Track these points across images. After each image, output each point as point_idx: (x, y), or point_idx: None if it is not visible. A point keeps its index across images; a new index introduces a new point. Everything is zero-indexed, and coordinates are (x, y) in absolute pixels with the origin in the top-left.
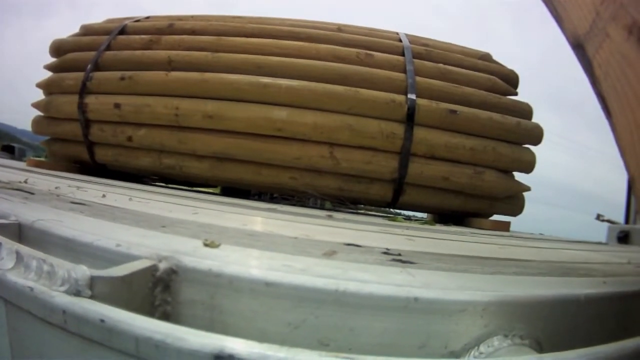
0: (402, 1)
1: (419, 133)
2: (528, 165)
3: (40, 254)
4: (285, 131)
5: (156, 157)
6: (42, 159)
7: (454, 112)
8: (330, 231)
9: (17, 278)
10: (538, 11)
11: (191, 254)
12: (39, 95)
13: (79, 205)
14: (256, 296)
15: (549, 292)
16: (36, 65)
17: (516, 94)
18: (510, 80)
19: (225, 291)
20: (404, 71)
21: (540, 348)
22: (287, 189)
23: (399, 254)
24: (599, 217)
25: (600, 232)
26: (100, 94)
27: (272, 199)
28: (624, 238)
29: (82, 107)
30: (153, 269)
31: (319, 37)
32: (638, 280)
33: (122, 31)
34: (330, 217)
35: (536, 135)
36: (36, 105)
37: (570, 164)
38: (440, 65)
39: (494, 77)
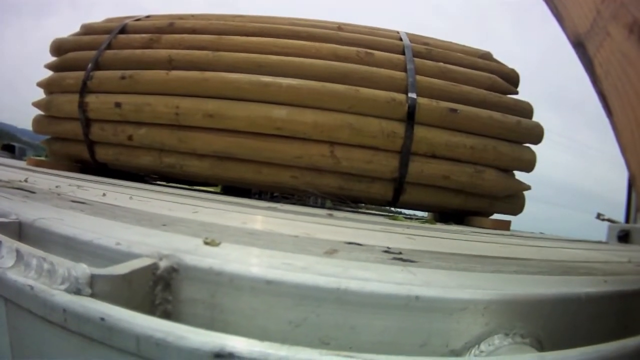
0: (403, 1)
1: (420, 132)
2: (528, 164)
3: (40, 253)
4: (286, 130)
5: (157, 156)
6: (43, 158)
7: (454, 110)
8: (331, 230)
9: (17, 276)
10: (538, 10)
11: (192, 252)
12: (39, 94)
13: (79, 204)
14: (257, 294)
15: (549, 291)
16: (36, 65)
17: (517, 93)
18: (511, 79)
19: (226, 289)
20: (405, 70)
21: (541, 347)
22: (288, 188)
23: (400, 253)
24: (599, 216)
25: (601, 231)
26: (101, 93)
27: (272, 198)
28: (624, 237)
29: (82, 106)
30: (153, 267)
31: (320, 36)
32: (638, 279)
33: (123, 30)
34: (330, 216)
35: (537, 134)
36: (37, 105)
37: (571, 163)
38: (441, 64)
39: (494, 75)
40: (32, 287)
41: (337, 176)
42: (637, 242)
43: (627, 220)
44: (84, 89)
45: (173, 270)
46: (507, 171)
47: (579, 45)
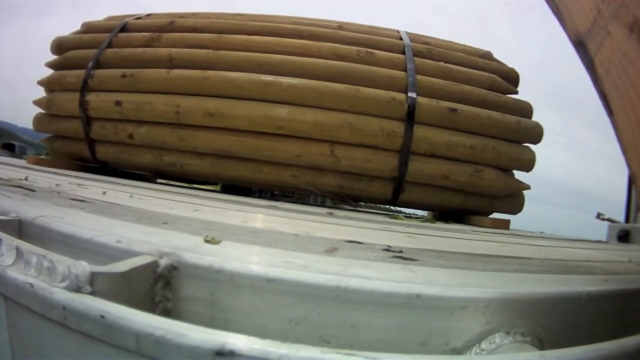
0: (403, 1)
1: (419, 131)
2: (528, 164)
3: (40, 250)
4: (286, 129)
5: (157, 154)
6: (43, 156)
7: (454, 110)
8: (331, 228)
9: (17, 274)
10: (539, 9)
11: (192, 250)
12: (40, 93)
13: (79, 202)
14: (257, 292)
15: (550, 290)
16: (37, 64)
17: (516, 93)
18: (511, 79)
19: (226, 287)
20: (405, 69)
21: (542, 345)
22: (288, 187)
23: (401, 251)
24: (599, 215)
25: (601, 230)
26: (102, 92)
27: (272, 197)
28: (624, 237)
29: (83, 104)
30: (154, 265)
31: (320, 35)
32: (639, 278)
33: (123, 29)
34: (331, 214)
35: (536, 134)
36: (37, 103)
37: (571, 162)
38: (441, 63)
39: (494, 75)
40: (32, 285)
41: (337, 175)
42: (637, 242)
43: (627, 220)
44: (84, 88)
45: (173, 268)
46: (507, 171)
47: (580, 45)
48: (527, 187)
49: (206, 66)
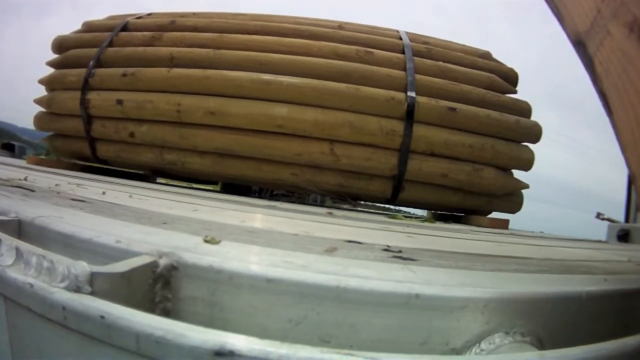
0: (403, 0)
1: (419, 130)
2: (527, 163)
3: (40, 250)
4: (287, 128)
5: (158, 153)
6: (42, 156)
7: (453, 109)
8: (331, 228)
9: (17, 274)
10: (539, 9)
11: (191, 250)
12: (39, 93)
13: (79, 202)
14: (257, 292)
15: (550, 290)
16: (36, 64)
17: (515, 92)
18: (510, 79)
19: (225, 287)
20: (404, 69)
21: (542, 345)
22: (288, 185)
23: (400, 251)
24: (599, 215)
25: (601, 230)
26: (103, 90)
27: (272, 196)
28: (624, 236)
29: (84, 103)
30: (153, 265)
31: (320, 35)
32: (639, 278)
33: (124, 28)
34: (330, 214)
35: (535, 134)
36: (38, 101)
37: (570, 162)
38: (440, 63)
39: (493, 75)
40: (31, 285)
41: (336, 174)
42: (637, 242)
43: (627, 219)
44: (85, 86)
45: (173, 268)
46: (506, 170)
47: (580, 44)
48: (526, 186)
49: (207, 65)
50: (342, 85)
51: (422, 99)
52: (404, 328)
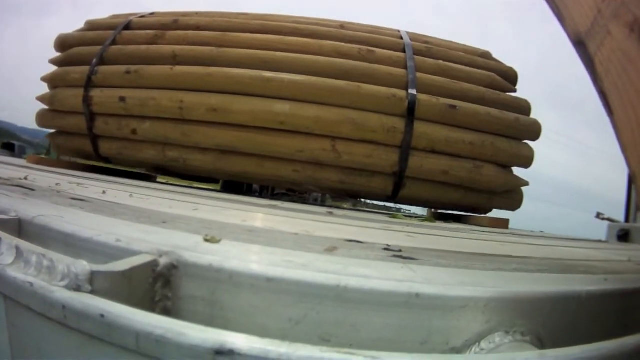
0: (403, 1)
1: (419, 127)
2: (526, 161)
3: (40, 249)
4: (288, 124)
5: (160, 150)
6: (42, 156)
7: (453, 107)
8: (331, 227)
9: (17, 273)
10: (539, 9)
11: (192, 249)
12: (40, 93)
13: (79, 201)
14: (257, 291)
15: (550, 289)
16: (37, 64)
17: (515, 91)
18: (509, 78)
19: (225, 286)
20: (405, 67)
21: (542, 344)
22: (290, 182)
23: (400, 250)
24: (599, 215)
25: (601, 230)
26: (106, 88)
27: (273, 196)
28: (624, 236)
29: (87, 100)
30: (153, 264)
31: (322, 34)
32: (639, 277)
33: (127, 27)
34: (330, 214)
35: (534, 131)
36: (41, 99)
37: (570, 162)
38: (441, 61)
39: (493, 74)
40: (31, 284)
41: (338, 170)
42: (637, 242)
43: (627, 219)
44: (88, 84)
45: (173, 267)
46: (506, 167)
47: (580, 44)
48: (526, 183)
49: (210, 63)
50: (343, 83)
51: (422, 97)
52: (404, 327)
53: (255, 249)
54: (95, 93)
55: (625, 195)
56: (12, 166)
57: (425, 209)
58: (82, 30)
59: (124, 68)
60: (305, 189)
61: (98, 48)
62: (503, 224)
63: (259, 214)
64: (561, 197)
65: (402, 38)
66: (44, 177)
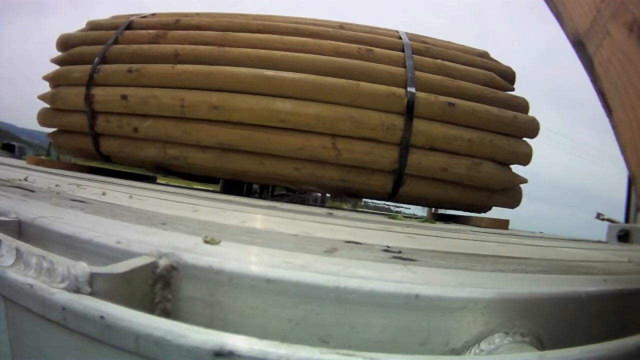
0: (403, 1)
1: (418, 125)
2: (525, 158)
3: (40, 251)
4: (289, 122)
5: (161, 147)
6: (42, 157)
7: (452, 104)
8: (331, 229)
9: (17, 275)
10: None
11: (191, 250)
12: (38, 98)
13: (79, 202)
14: (256, 293)
15: (550, 290)
16: (37, 65)
17: (513, 90)
18: (507, 77)
19: (225, 288)
20: (404, 66)
21: (541, 345)
22: (290, 181)
23: (400, 252)
24: (599, 216)
25: (601, 230)
26: (107, 86)
27: (273, 197)
28: (624, 237)
29: (89, 98)
30: (153, 265)
31: (322, 34)
32: (639, 278)
33: (129, 27)
34: (330, 214)
35: (532, 129)
36: (42, 98)
37: (570, 162)
38: (439, 60)
39: (490, 72)
40: (31, 286)
41: (338, 168)
42: (637, 242)
43: (627, 220)
44: (90, 82)
45: (172, 268)
46: (504, 164)
47: (579, 44)
48: (524, 181)
49: (211, 62)
50: (343, 81)
51: (421, 95)
52: (403, 328)
53: (254, 250)
54: (97, 91)
55: (625, 196)
56: (12, 167)
57: (425, 211)
58: (83, 30)
59: (125, 67)
60: (305, 188)
61: (100, 47)
62: (503, 224)
63: (258, 215)
64: (561, 197)
65: (400, 38)
66: (44, 179)
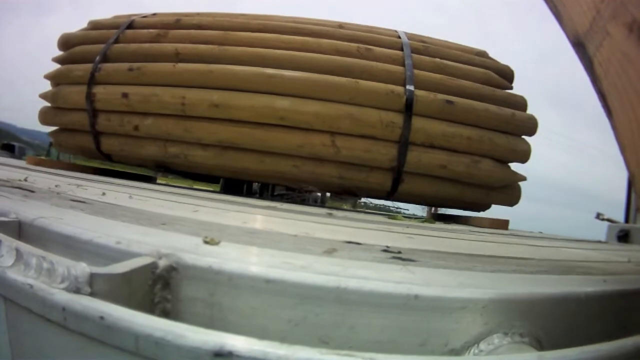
0: (403, 1)
1: (417, 122)
2: (523, 155)
3: (40, 252)
4: (289, 120)
5: (162, 145)
6: (42, 157)
7: (450, 102)
8: (331, 229)
9: (17, 275)
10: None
11: (191, 251)
12: (39, 97)
13: (79, 203)
14: (256, 293)
15: (549, 290)
16: (37, 64)
17: (511, 88)
18: (506, 75)
19: (225, 288)
20: (403, 64)
21: (540, 346)
22: (289, 178)
23: (399, 252)
24: (598, 216)
25: (600, 231)
26: (109, 84)
27: (273, 197)
28: (623, 237)
29: (90, 97)
30: (153, 266)
31: (321, 33)
32: (638, 278)
33: (130, 26)
34: (330, 215)
35: (531, 126)
36: (44, 96)
37: (570, 162)
38: (438, 59)
39: (489, 71)
40: (31, 286)
41: (337, 165)
42: (637, 242)
43: (627, 220)
44: (91, 80)
45: (172, 269)
46: (503, 162)
47: (579, 45)
48: (523, 178)
49: (212, 61)
50: (342, 79)
51: (420, 92)
52: (402, 329)
53: (254, 251)
54: (98, 90)
55: (625, 196)
56: (12, 167)
57: (425, 211)
58: (85, 29)
59: (126, 65)
60: (305, 187)
61: (101, 46)
62: (503, 224)
63: (258, 216)
64: (561, 198)
65: (399, 37)
66: (44, 179)
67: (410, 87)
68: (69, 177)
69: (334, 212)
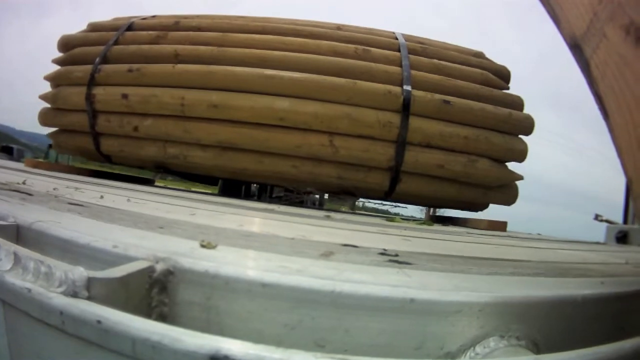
0: (403, 2)
1: (415, 122)
2: (520, 155)
3: (38, 256)
4: (288, 120)
5: (161, 146)
6: (41, 159)
7: (447, 102)
8: (328, 232)
9: (15, 279)
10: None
11: (188, 255)
12: (39, 98)
13: (76, 206)
14: (252, 297)
15: (546, 293)
16: (36, 66)
17: (508, 89)
18: (503, 76)
19: (221, 292)
20: (400, 65)
21: (537, 349)
22: (288, 179)
23: (396, 255)
24: (597, 217)
25: (599, 232)
26: (108, 85)
27: (271, 199)
28: (622, 238)
29: (90, 98)
30: (150, 270)
31: (320, 35)
32: (636, 280)
33: (130, 28)
34: (328, 217)
35: (527, 126)
36: (44, 97)
37: (569, 163)
38: (435, 60)
39: (486, 72)
40: (29, 290)
41: (335, 165)
42: (635, 243)
43: (625, 221)
44: (91, 82)
45: (169, 273)
46: (500, 161)
47: (576, 47)
48: (520, 178)
49: (211, 62)
50: (340, 80)
51: (417, 93)
52: (398, 332)
53: (251, 255)
54: (98, 91)
55: (623, 197)
56: (10, 170)
57: (423, 213)
58: (84, 31)
59: (126, 67)
60: (303, 189)
61: (101, 48)
62: (501, 226)
63: (255, 219)
64: (559, 199)
65: (397, 39)
66: (42, 182)
67: (408, 88)
68: (67, 180)
69: (332, 214)
